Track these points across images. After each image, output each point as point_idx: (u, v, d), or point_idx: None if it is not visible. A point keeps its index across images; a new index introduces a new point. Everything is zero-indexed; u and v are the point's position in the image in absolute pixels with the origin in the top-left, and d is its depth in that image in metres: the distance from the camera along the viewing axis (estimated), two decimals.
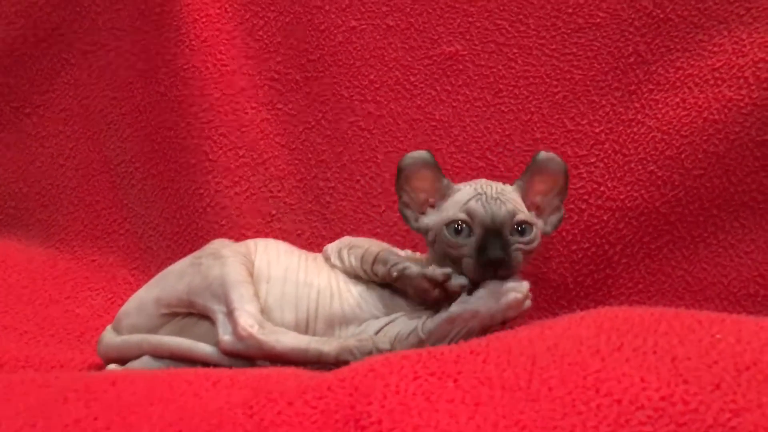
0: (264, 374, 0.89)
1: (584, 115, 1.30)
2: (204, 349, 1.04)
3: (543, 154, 1.07)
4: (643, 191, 1.22)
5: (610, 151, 1.27)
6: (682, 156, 1.20)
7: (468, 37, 1.38)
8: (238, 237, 1.34)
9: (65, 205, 1.56)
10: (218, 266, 1.06)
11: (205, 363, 1.03)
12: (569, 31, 1.32)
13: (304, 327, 1.07)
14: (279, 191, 1.44)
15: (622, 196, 1.23)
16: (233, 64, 1.47)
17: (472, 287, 1.00)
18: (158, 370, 0.95)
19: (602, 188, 1.25)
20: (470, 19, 1.38)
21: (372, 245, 1.11)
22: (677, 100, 1.23)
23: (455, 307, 0.98)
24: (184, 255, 1.17)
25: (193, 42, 1.45)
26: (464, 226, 1.01)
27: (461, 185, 1.08)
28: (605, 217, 1.24)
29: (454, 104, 1.38)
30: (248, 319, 1.01)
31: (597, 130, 1.28)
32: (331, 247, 1.15)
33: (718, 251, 1.20)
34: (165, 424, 0.73)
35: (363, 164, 1.41)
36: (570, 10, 1.32)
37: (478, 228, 1.01)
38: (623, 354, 0.76)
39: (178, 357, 1.06)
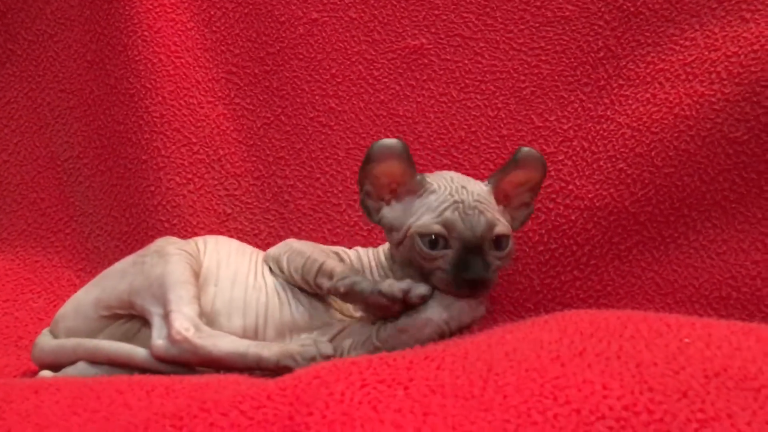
0: (203, 382, 0.83)
1: (552, 111, 1.26)
2: (144, 354, 0.98)
3: (525, 150, 1.02)
4: (612, 190, 1.18)
5: (578, 149, 1.23)
6: (653, 153, 1.16)
7: (433, 30, 1.34)
8: (191, 237, 1.27)
9: (8, 202, 1.50)
10: (161, 265, 1.00)
11: (145, 370, 0.97)
12: (537, 24, 1.29)
13: (253, 333, 1.01)
14: (235, 189, 1.39)
15: (590, 195, 1.19)
16: (188, 56, 1.41)
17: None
18: (90, 378, 0.88)
19: (570, 186, 1.21)
20: (436, 12, 1.34)
21: (315, 252, 1.03)
22: (648, 95, 1.19)
23: (406, 316, 0.93)
24: None
25: (146, 33, 1.39)
26: (441, 239, 0.95)
27: (432, 181, 0.99)
28: (573, 217, 1.20)
29: (419, 99, 1.33)
30: (184, 322, 0.94)
31: (565, 127, 1.24)
32: (272, 254, 1.08)
33: (689, 252, 1.16)
34: None
35: (323, 161, 1.36)
36: (538, 3, 1.29)
37: (455, 242, 0.94)
38: (585, 359, 0.72)
39: (116, 363, 0.99)
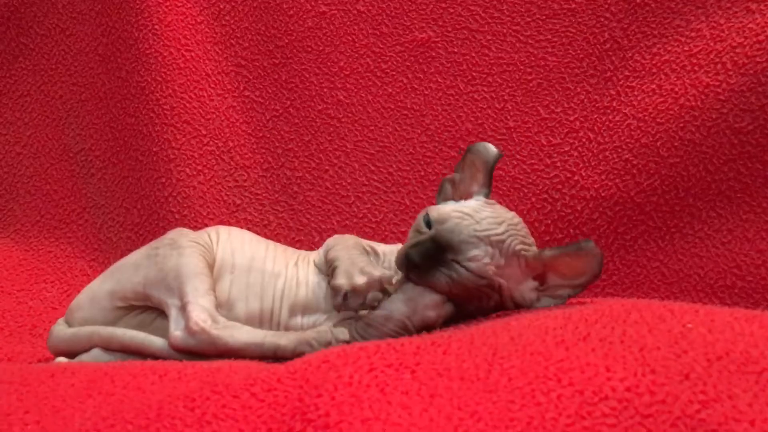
0: (215, 367, 0.85)
1: (558, 102, 1.27)
2: (159, 343, 0.99)
3: (591, 245, 0.95)
4: (617, 180, 1.19)
5: (584, 140, 1.23)
6: (658, 144, 1.17)
7: (440, 23, 1.35)
8: (201, 228, 1.29)
9: (21, 194, 1.52)
10: (175, 257, 1.01)
11: (159, 358, 0.98)
12: (544, 17, 1.30)
13: (269, 316, 1.02)
14: (244, 181, 1.40)
15: (596, 185, 1.20)
16: (198, 49, 1.43)
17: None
18: (104, 363, 0.90)
19: (576, 177, 1.22)
20: (443, 5, 1.35)
21: (348, 247, 1.04)
22: (653, 86, 1.20)
23: (371, 313, 0.95)
24: None
25: (157, 26, 1.41)
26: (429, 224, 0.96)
27: (484, 202, 0.99)
28: (579, 207, 1.20)
29: (426, 92, 1.34)
30: (201, 314, 0.96)
31: (571, 118, 1.25)
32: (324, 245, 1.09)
33: (694, 242, 1.17)
34: (99, 417, 0.68)
35: (331, 153, 1.37)
36: None
37: (433, 230, 0.96)
38: (589, 344, 0.73)
39: (131, 351, 1.01)
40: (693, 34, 1.20)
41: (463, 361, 0.73)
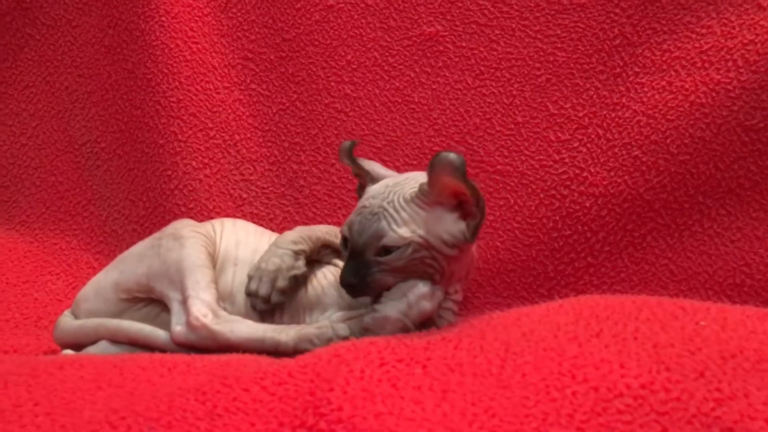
0: (223, 361, 0.85)
1: (567, 98, 1.26)
2: (164, 337, 0.99)
3: (440, 155, 0.89)
4: (627, 177, 1.18)
5: (593, 136, 1.23)
6: (668, 141, 1.16)
7: (449, 17, 1.34)
8: (207, 221, 1.28)
9: (27, 186, 1.51)
10: (177, 249, 1.01)
11: (164, 351, 0.98)
12: (553, 12, 1.29)
13: (271, 310, 1.02)
14: (251, 174, 1.39)
15: (605, 182, 1.19)
16: (205, 41, 1.42)
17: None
18: (112, 356, 0.89)
19: (585, 174, 1.21)
20: None
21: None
22: (663, 83, 1.19)
23: (367, 317, 0.93)
24: None
25: (163, 18, 1.40)
26: (346, 240, 0.96)
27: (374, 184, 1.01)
28: (587, 204, 1.20)
29: (434, 87, 1.34)
30: (201, 308, 0.96)
31: (580, 114, 1.25)
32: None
33: (703, 240, 1.16)
34: (109, 409, 0.68)
35: (338, 147, 1.36)
36: None
37: (349, 245, 0.95)
38: (602, 340, 0.73)
39: (137, 343, 1.01)
40: (703, 30, 1.19)
41: (475, 356, 0.73)
